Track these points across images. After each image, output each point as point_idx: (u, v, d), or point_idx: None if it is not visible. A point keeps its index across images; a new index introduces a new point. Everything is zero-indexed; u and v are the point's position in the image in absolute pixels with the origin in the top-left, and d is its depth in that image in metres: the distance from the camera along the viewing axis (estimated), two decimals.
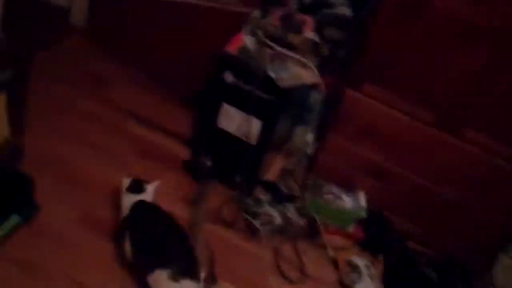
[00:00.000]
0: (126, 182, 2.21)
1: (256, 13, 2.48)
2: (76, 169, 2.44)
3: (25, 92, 2.21)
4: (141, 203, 2.17)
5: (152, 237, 2.07)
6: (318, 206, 2.50)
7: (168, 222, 2.13)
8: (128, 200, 2.18)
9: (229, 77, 2.34)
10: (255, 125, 2.38)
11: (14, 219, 2.13)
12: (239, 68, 2.33)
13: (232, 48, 2.36)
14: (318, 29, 2.43)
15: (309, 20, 2.44)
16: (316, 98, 2.48)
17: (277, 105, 2.33)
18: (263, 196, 2.54)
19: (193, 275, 1.96)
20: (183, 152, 2.66)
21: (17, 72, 2.12)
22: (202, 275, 2.03)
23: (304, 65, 2.34)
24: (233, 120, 2.43)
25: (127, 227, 2.14)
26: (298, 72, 2.33)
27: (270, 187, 2.57)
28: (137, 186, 2.20)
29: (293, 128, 2.62)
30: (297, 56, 2.34)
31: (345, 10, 2.48)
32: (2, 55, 2.05)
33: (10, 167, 2.27)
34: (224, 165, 2.56)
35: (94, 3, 2.96)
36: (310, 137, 2.54)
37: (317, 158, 2.61)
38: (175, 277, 1.92)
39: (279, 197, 2.53)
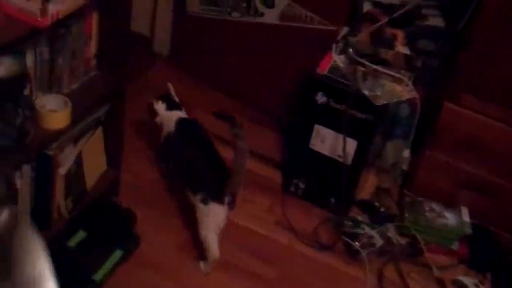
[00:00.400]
0: (160, 104, 2.37)
1: (345, 30, 2.44)
2: (169, 197, 2.45)
3: (121, 125, 2.23)
4: (184, 121, 2.34)
5: (191, 160, 2.25)
6: (419, 224, 2.41)
7: (206, 143, 2.30)
8: (171, 118, 2.34)
9: (320, 98, 2.30)
10: (350, 145, 2.32)
11: (117, 255, 2.15)
12: (331, 88, 2.28)
13: (322, 68, 2.32)
14: (410, 42, 2.37)
15: (400, 34, 2.39)
16: (408, 111, 2.41)
17: (373, 124, 2.27)
18: (360, 216, 2.48)
19: (219, 199, 2.11)
20: (275, 175, 2.64)
21: (113, 106, 2.14)
22: (227, 199, 2.12)
23: (398, 81, 2.28)
24: (326, 141, 2.38)
25: (172, 145, 2.32)
26: (393, 88, 2.27)
27: (367, 207, 2.51)
28: (172, 103, 2.38)
29: (384, 143, 2.56)
30: (391, 72, 2.28)
31: (438, 21, 2.41)
32: (99, 92, 2.07)
33: (110, 200, 2.30)
34: (317, 186, 2.51)
35: (176, 30, 2.98)
36: (406, 153, 2.46)
37: (414, 174, 2.53)
38: (204, 201, 2.12)
39: (377, 217, 2.46)
